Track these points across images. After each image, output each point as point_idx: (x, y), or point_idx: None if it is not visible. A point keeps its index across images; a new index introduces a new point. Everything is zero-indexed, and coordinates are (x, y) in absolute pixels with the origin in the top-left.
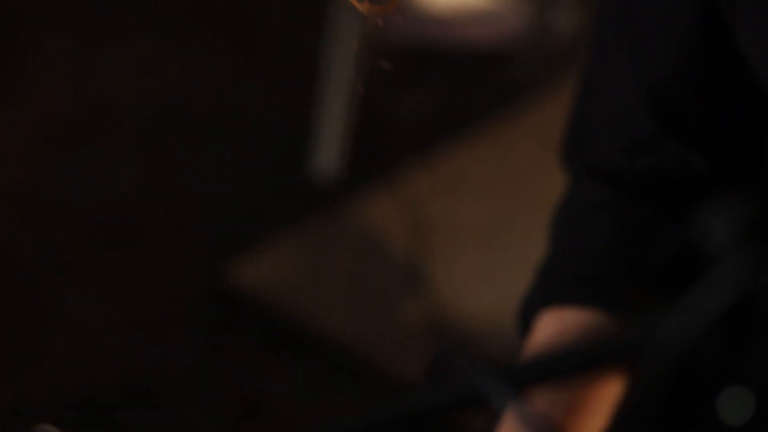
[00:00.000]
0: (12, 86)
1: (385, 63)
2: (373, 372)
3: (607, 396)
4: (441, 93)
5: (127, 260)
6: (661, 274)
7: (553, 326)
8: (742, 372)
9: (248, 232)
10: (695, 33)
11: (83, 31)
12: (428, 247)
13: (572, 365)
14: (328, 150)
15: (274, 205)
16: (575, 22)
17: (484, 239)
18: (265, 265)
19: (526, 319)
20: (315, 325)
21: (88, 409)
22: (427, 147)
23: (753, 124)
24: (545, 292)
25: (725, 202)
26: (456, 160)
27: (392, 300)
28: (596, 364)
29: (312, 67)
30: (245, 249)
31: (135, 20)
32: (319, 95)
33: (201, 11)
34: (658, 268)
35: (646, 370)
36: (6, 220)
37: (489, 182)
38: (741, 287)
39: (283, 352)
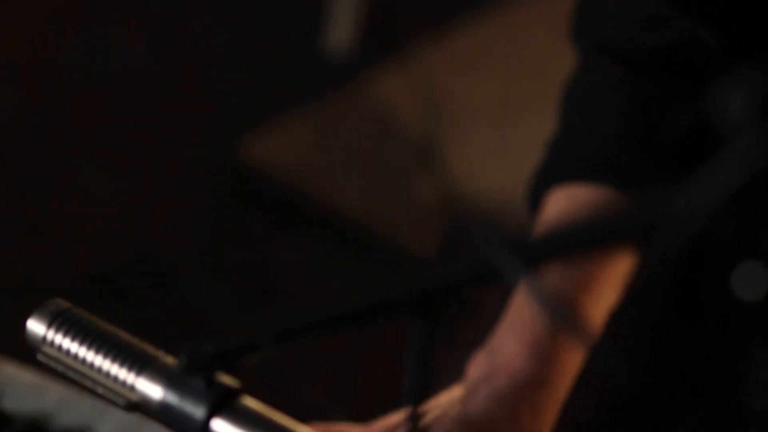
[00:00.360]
0: None
1: None
2: (385, 249)
3: (618, 273)
4: None
5: (139, 136)
6: (673, 152)
7: (563, 204)
8: (757, 248)
9: (260, 108)
10: None
11: None
12: (440, 125)
13: (583, 241)
14: (341, 27)
15: (286, 82)
16: None
17: (497, 116)
18: (277, 141)
19: (536, 196)
20: (326, 202)
21: (99, 284)
22: (439, 24)
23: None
24: (555, 171)
25: (740, 77)
26: (469, 37)
27: (404, 177)
28: (608, 240)
29: None
30: (257, 126)
31: None
32: None
33: None
34: (670, 146)
35: (658, 246)
36: (19, 94)
37: (502, 59)
38: (756, 163)
39: (295, 229)
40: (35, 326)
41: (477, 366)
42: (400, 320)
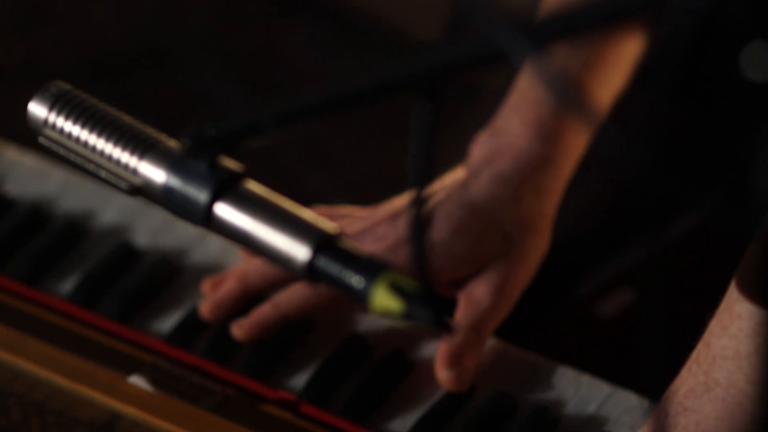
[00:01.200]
0: None
1: None
2: (391, 32)
3: (625, 53)
4: None
5: None
6: None
7: None
8: (765, 28)
9: None
10: None
11: None
12: None
13: (590, 21)
14: None
15: None
16: None
17: None
18: None
19: None
20: None
21: (101, 68)
22: None
23: None
24: None
25: None
26: None
27: None
28: (615, 19)
29: None
30: None
31: None
32: None
33: None
34: None
35: (666, 26)
36: None
37: None
38: None
39: (300, 13)
40: (37, 109)
41: (480, 147)
42: (406, 104)
